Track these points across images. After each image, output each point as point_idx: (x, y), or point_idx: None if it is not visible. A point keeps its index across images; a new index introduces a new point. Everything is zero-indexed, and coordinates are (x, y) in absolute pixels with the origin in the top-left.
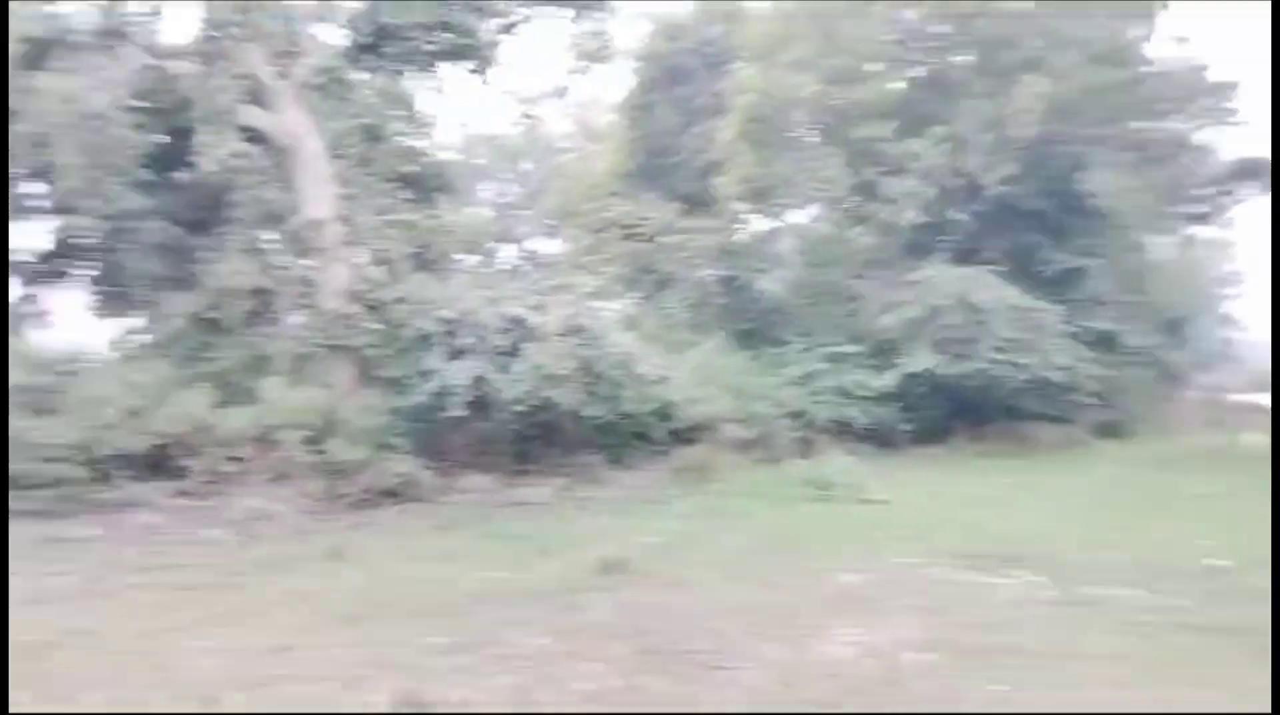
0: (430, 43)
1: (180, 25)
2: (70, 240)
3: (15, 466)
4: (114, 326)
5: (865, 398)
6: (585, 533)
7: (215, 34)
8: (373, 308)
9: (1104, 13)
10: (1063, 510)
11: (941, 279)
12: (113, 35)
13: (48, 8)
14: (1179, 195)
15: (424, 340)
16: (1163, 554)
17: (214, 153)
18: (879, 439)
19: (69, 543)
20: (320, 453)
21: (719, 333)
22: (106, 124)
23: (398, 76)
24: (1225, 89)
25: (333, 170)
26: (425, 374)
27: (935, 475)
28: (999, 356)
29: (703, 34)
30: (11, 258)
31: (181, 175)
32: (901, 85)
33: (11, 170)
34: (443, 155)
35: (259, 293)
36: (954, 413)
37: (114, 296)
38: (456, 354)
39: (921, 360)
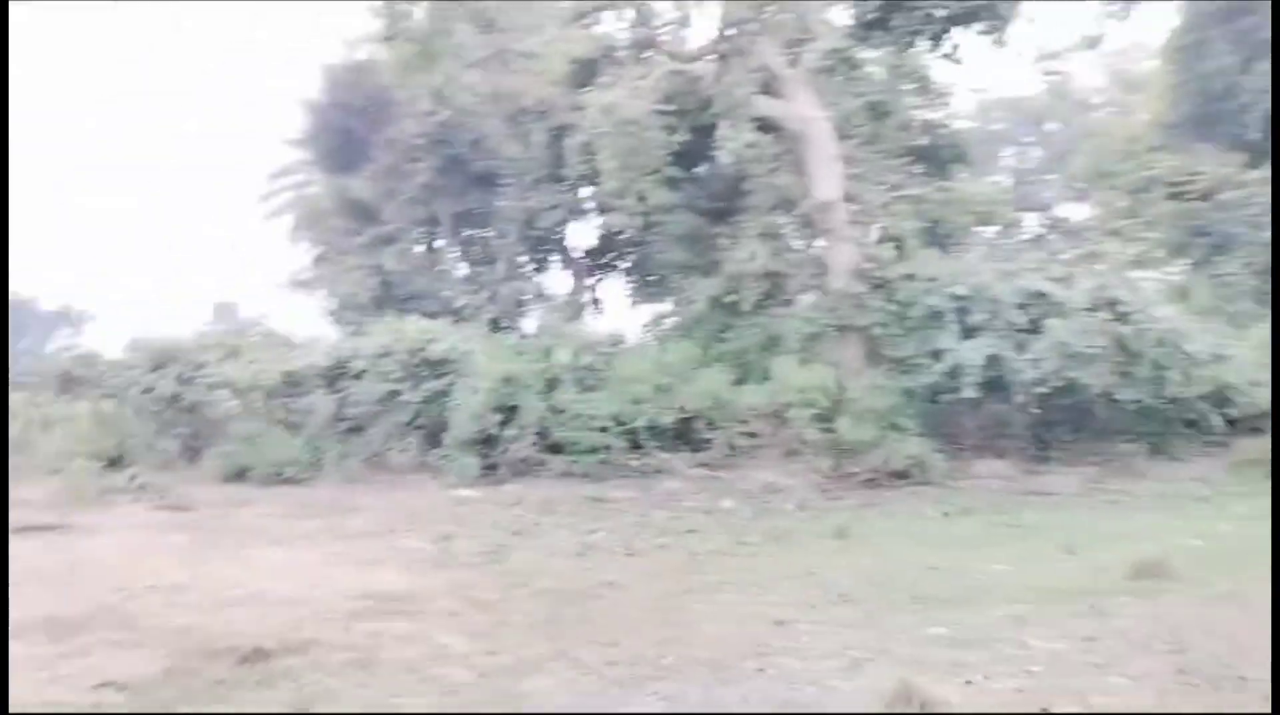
0: (941, 9)
1: (702, 28)
2: (612, 236)
3: (568, 434)
4: (647, 312)
5: None
6: (1117, 530)
7: (732, 32)
8: (879, 286)
9: None
10: None
11: None
12: (645, 46)
13: (596, 29)
14: None
15: (934, 318)
16: None
17: (731, 145)
18: None
19: (607, 503)
20: (829, 431)
21: None
22: (640, 129)
23: (907, 49)
24: None
25: (841, 150)
26: (936, 353)
27: None
28: None
29: None
30: (571, 254)
31: (702, 169)
32: None
33: (564, 177)
34: (957, 124)
35: (772, 275)
36: None
37: (646, 284)
38: (969, 332)
39: None
